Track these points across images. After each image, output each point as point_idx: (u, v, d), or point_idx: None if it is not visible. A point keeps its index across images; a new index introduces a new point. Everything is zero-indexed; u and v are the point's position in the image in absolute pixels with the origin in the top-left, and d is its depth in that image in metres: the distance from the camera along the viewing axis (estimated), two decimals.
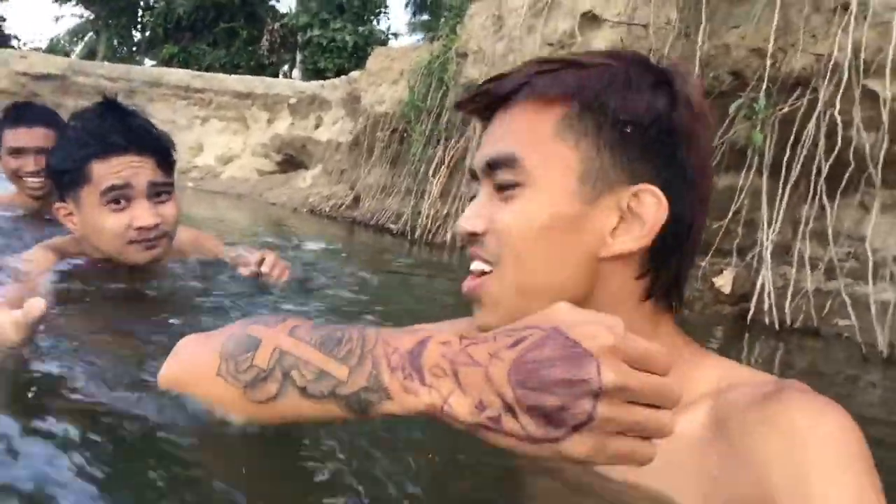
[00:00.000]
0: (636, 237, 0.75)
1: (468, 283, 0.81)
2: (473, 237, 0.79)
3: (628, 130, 0.74)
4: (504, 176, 0.77)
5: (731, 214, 3.09)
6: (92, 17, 22.29)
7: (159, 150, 1.51)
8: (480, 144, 0.82)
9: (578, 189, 0.75)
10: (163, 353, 0.81)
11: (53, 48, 24.50)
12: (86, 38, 25.04)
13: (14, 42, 23.06)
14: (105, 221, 1.45)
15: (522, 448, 0.59)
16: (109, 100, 1.55)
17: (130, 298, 1.48)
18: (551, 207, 0.75)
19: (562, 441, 0.57)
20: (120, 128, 1.48)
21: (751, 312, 2.73)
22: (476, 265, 0.80)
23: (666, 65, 0.81)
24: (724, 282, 2.85)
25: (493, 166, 0.78)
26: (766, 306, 2.69)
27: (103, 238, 1.47)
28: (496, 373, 0.60)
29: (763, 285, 2.72)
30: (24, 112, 2.60)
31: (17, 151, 2.50)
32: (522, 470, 0.83)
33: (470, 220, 0.80)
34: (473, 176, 0.84)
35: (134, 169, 1.45)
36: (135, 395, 0.89)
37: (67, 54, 21.97)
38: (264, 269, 1.70)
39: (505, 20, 5.60)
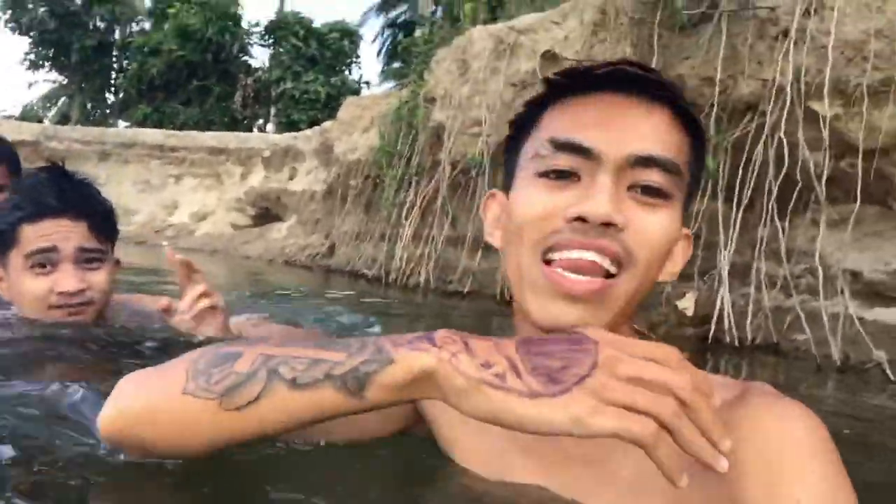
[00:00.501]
0: (669, 272, 0.80)
1: (587, 286, 0.72)
2: (607, 228, 0.71)
3: (699, 143, 0.80)
4: (658, 179, 0.74)
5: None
6: (65, 81, 22.48)
7: (94, 214, 1.48)
8: (602, 126, 0.74)
9: (682, 218, 0.79)
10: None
11: (26, 115, 24.60)
12: (59, 103, 25.20)
13: None
14: (28, 285, 1.43)
15: (518, 409, 0.60)
16: (51, 163, 1.54)
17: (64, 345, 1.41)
18: (677, 229, 0.77)
19: (559, 396, 0.60)
20: (55, 191, 1.45)
21: (711, 332, 2.78)
22: (593, 256, 0.72)
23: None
24: (687, 304, 2.90)
25: (647, 163, 0.73)
26: (726, 325, 2.74)
27: (25, 302, 1.45)
28: (504, 343, 0.65)
29: (722, 306, 2.77)
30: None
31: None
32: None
33: (614, 210, 0.71)
34: (569, 149, 0.75)
35: (63, 233, 1.42)
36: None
37: (41, 120, 22.06)
38: (182, 305, 1.40)
39: (470, 64, 5.74)
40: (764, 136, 2.99)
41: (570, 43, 4.71)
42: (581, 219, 0.71)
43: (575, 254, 0.72)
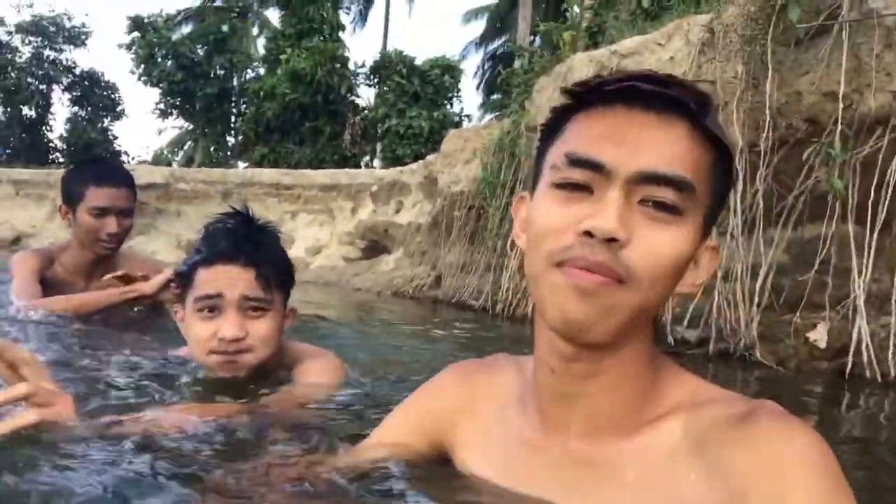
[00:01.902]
0: (692, 283, 0.80)
1: (596, 279, 0.74)
2: (611, 243, 0.73)
3: (727, 192, 0.81)
4: (668, 195, 0.75)
5: (818, 265, 2.95)
6: (190, 127, 24.15)
7: (263, 263, 1.47)
8: (616, 141, 0.76)
9: (702, 232, 0.79)
10: None
11: (157, 159, 26.63)
12: (185, 147, 27.11)
13: (124, 157, 25.16)
14: (195, 327, 1.47)
15: None
16: (235, 209, 1.56)
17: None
18: (692, 244, 0.77)
19: None
20: (230, 237, 1.48)
21: (849, 366, 2.55)
22: (598, 269, 0.74)
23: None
24: (819, 336, 2.69)
25: (657, 180, 0.74)
26: (864, 359, 2.51)
27: (191, 343, 1.50)
28: None
29: (860, 337, 2.54)
30: (110, 172, 2.58)
31: (101, 211, 2.47)
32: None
33: (616, 225, 0.73)
34: (582, 165, 0.77)
35: (231, 280, 1.44)
36: None
37: (170, 164, 23.79)
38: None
39: None
40: None
41: (676, 64, 4.55)
42: (589, 233, 0.73)
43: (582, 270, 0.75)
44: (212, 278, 1.44)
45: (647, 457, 0.75)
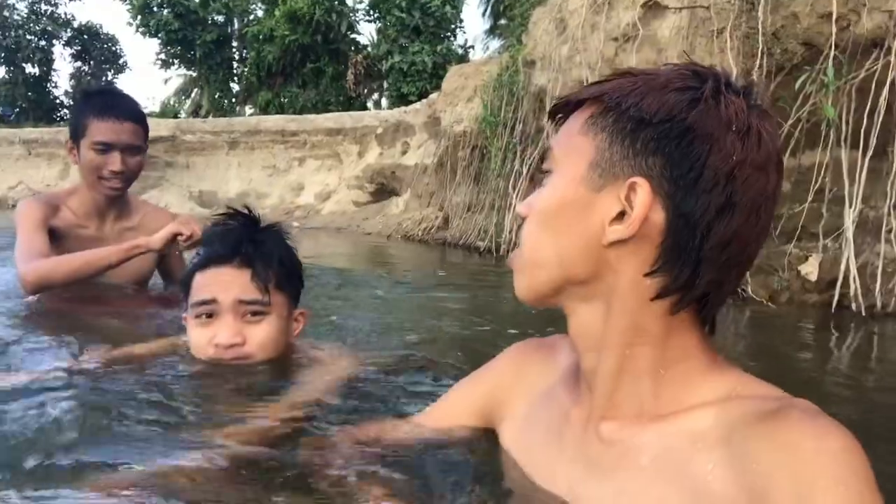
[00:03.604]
0: (626, 226, 0.77)
1: (511, 254, 0.90)
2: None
3: (641, 127, 0.77)
4: (544, 165, 0.87)
5: (813, 194, 2.91)
6: (194, 75, 23.90)
7: (259, 262, 1.40)
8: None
9: (587, 176, 0.80)
10: None
11: (165, 109, 26.46)
12: (192, 96, 26.89)
13: None
14: (192, 333, 1.42)
15: None
16: (233, 210, 1.50)
17: None
18: (562, 191, 0.82)
19: None
20: (226, 238, 1.42)
21: (836, 299, 2.56)
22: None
23: (717, 73, 0.80)
24: (811, 269, 2.69)
25: (541, 159, 0.88)
26: (852, 291, 2.50)
27: (192, 350, 1.43)
28: None
29: (848, 268, 2.53)
30: (114, 103, 2.32)
31: (103, 146, 2.24)
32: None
33: (521, 204, 0.88)
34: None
35: (224, 283, 1.38)
36: None
37: (176, 114, 23.67)
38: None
39: (567, 22, 5.53)
40: (892, 76, 2.68)
41: None
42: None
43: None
44: (206, 283, 1.38)
45: (668, 443, 0.75)
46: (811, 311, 2.60)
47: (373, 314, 2.43)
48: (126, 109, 2.29)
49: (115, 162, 2.23)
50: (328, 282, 3.30)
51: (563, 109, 0.88)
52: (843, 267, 2.56)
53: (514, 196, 5.45)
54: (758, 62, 3.37)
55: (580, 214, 0.80)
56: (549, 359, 1.00)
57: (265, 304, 1.39)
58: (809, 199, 2.95)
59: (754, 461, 0.67)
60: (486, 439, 1.01)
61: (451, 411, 1.08)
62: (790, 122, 3.24)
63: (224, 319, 1.37)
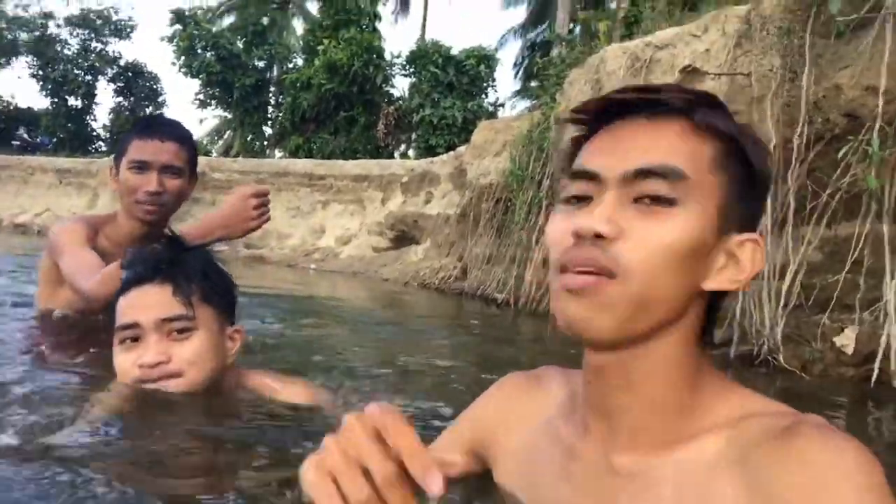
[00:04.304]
0: (733, 279, 0.79)
1: (583, 279, 0.76)
2: (598, 239, 0.76)
3: (751, 178, 0.81)
4: (658, 188, 0.76)
5: (850, 265, 2.81)
6: (229, 117, 24.46)
7: (180, 277, 1.37)
8: (607, 149, 0.81)
9: (716, 221, 0.78)
10: None
11: (197, 148, 27.01)
12: (224, 136, 27.47)
13: None
14: (117, 360, 1.37)
15: None
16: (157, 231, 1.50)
17: None
18: (698, 232, 0.77)
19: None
20: (146, 258, 1.40)
21: (875, 374, 2.42)
22: (584, 267, 0.76)
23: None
24: (847, 340, 2.56)
25: (645, 175, 0.77)
26: (893, 366, 2.38)
27: (118, 376, 1.38)
28: None
29: (889, 343, 2.41)
30: (159, 124, 2.22)
31: (140, 166, 2.10)
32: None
33: (602, 221, 0.76)
34: (585, 177, 0.81)
35: (145, 305, 1.34)
36: None
37: (208, 153, 24.13)
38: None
39: (603, 83, 5.55)
40: None
41: (711, 56, 4.41)
42: (578, 234, 0.77)
43: (576, 268, 0.77)
44: (128, 305, 1.34)
45: (687, 470, 0.75)
46: (847, 384, 2.47)
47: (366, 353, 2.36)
48: (170, 130, 2.17)
49: (151, 182, 2.07)
50: (340, 321, 3.24)
51: (643, 104, 0.80)
52: (883, 341, 2.44)
53: (538, 250, 5.38)
54: (798, 131, 3.32)
55: (703, 259, 0.78)
56: (539, 391, 0.98)
57: (189, 318, 1.34)
58: (846, 270, 2.84)
59: (770, 483, 0.67)
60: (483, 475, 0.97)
61: (446, 451, 1.05)
62: (828, 191, 3.16)
63: (147, 340, 1.32)
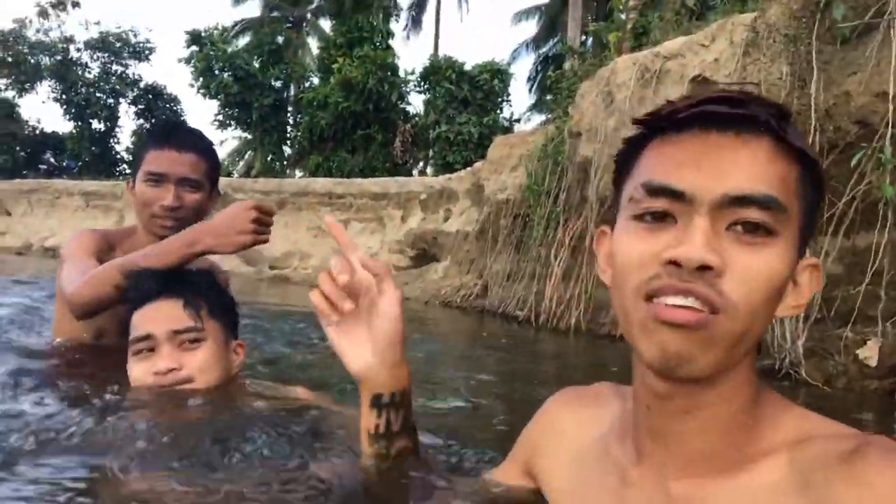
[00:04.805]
0: (796, 305, 0.77)
1: (692, 315, 0.71)
2: (703, 271, 0.70)
3: (817, 200, 0.77)
4: (758, 216, 0.71)
5: (870, 276, 2.78)
6: (249, 137, 24.74)
7: (190, 292, 1.48)
8: (696, 166, 0.73)
9: (798, 250, 0.76)
10: None
11: (219, 159, 27.34)
12: (245, 157, 27.78)
13: None
14: (132, 371, 1.47)
15: None
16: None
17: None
18: (790, 265, 0.74)
19: None
20: (156, 275, 1.50)
21: None
22: (688, 301, 0.71)
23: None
24: (870, 353, 2.54)
25: (743, 202, 0.71)
26: None
27: (133, 383, 1.47)
28: None
29: None
30: (176, 133, 2.05)
31: (156, 178, 1.96)
32: None
33: (709, 252, 0.70)
34: (662, 193, 0.74)
35: (157, 318, 1.44)
36: None
37: (230, 173, 24.42)
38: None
39: (615, 95, 5.56)
40: None
41: (720, 65, 4.41)
42: (675, 263, 0.71)
43: (671, 299, 0.71)
44: (142, 319, 1.45)
45: (749, 496, 0.72)
46: (872, 397, 2.44)
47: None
48: (188, 140, 2.01)
49: (167, 195, 1.93)
50: None
51: (720, 117, 0.73)
52: None
53: (556, 265, 5.38)
54: (810, 139, 3.30)
55: (785, 287, 0.75)
56: (593, 407, 0.96)
57: (199, 329, 1.46)
58: (866, 281, 2.81)
59: None
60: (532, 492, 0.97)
61: (508, 475, 1.05)
62: (843, 200, 3.14)
63: (161, 351, 1.44)
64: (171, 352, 1.45)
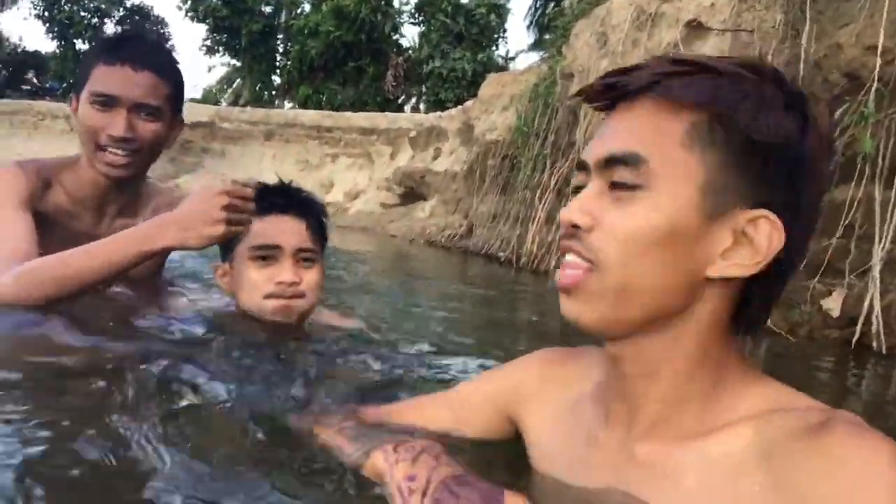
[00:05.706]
0: (745, 264, 0.73)
1: (564, 276, 0.76)
2: (574, 230, 0.75)
3: (757, 150, 0.72)
4: (623, 175, 0.74)
5: (842, 229, 2.82)
6: (238, 65, 24.22)
7: (312, 216, 1.57)
8: (597, 136, 0.79)
9: (700, 202, 0.72)
10: None
11: (206, 96, 26.87)
12: (234, 85, 27.28)
13: None
14: (250, 273, 1.51)
15: None
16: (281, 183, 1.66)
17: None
18: (671, 216, 0.72)
19: None
20: (282, 191, 1.58)
21: (856, 336, 2.47)
22: (570, 258, 0.76)
23: (794, 83, 0.77)
24: (833, 304, 2.60)
25: (611, 162, 0.75)
26: (873, 329, 2.42)
27: (245, 290, 1.53)
28: (447, 471, 0.79)
29: (871, 306, 2.45)
30: (130, 45, 1.65)
31: (104, 100, 1.61)
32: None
33: (576, 212, 0.75)
34: (582, 167, 0.80)
35: (287, 232, 1.52)
36: None
37: (217, 102, 24.01)
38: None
39: (609, 36, 5.48)
40: None
41: (716, 11, 4.35)
42: (560, 225, 0.78)
43: (564, 258, 0.78)
44: (268, 228, 1.52)
45: (711, 463, 0.72)
46: (830, 346, 2.52)
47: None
48: (146, 55, 1.64)
49: (118, 124, 1.59)
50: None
51: (613, 95, 0.78)
52: (866, 304, 2.48)
53: (541, 208, 5.39)
54: None
55: (691, 244, 0.73)
56: (576, 369, 0.98)
57: (316, 251, 1.56)
58: (838, 234, 2.85)
59: (799, 481, 0.65)
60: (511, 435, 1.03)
61: (470, 399, 1.08)
62: None
63: (285, 263, 1.53)
64: (293, 265, 1.53)
